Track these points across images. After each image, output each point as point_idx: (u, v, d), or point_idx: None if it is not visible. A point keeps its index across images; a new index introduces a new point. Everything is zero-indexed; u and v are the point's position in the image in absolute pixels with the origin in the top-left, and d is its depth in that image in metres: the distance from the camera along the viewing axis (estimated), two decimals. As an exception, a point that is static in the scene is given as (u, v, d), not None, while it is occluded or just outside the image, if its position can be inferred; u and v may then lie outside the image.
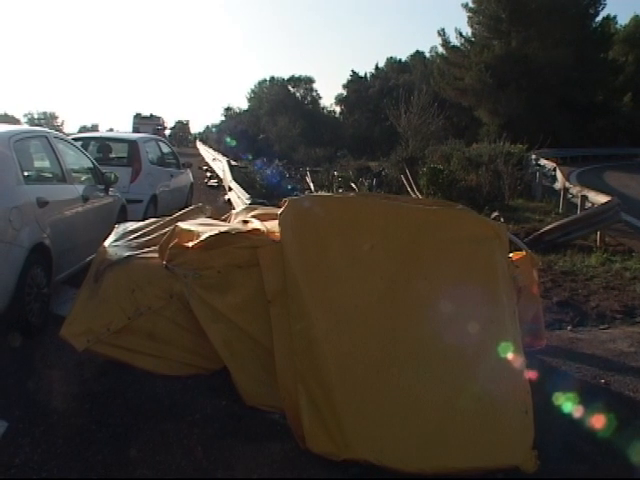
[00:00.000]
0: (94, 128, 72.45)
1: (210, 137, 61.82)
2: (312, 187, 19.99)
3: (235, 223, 5.39)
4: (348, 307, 4.02)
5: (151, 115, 56.24)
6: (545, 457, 3.84)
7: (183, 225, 5.02)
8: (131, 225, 6.17)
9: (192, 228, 4.89)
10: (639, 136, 48.12)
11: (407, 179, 17.55)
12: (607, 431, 4.45)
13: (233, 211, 6.41)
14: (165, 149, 13.75)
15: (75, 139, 11.35)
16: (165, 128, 60.44)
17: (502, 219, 12.33)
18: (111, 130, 54.01)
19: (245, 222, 5.22)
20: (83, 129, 73.72)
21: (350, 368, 3.89)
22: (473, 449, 3.76)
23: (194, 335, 4.72)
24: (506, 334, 4.04)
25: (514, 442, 3.80)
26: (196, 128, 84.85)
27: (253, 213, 5.69)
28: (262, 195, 15.48)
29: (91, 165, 8.54)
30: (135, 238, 5.64)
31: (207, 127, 77.74)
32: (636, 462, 4.07)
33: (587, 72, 43.17)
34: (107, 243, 5.47)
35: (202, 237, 4.59)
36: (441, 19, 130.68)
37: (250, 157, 36.10)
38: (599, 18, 48.24)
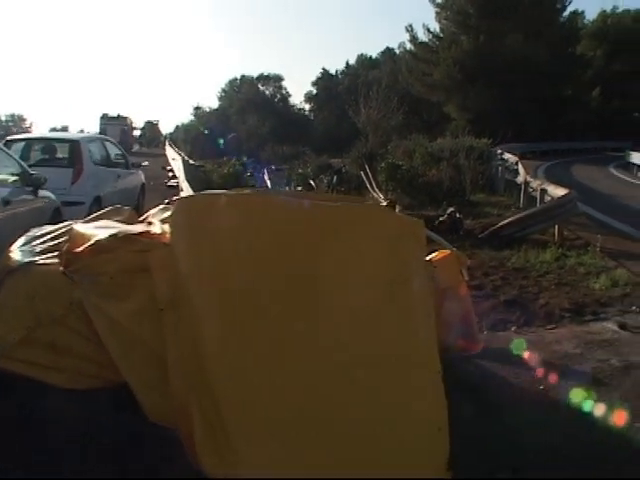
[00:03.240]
0: (64, 129, 71.39)
1: (179, 137, 61.08)
2: (269, 185, 19.64)
3: (132, 226, 4.98)
4: (244, 315, 3.61)
5: (118, 116, 55.36)
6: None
7: (79, 228, 4.62)
8: (45, 228, 5.77)
9: (87, 231, 4.49)
10: (608, 130, 48.41)
11: (366, 175, 17.24)
12: (536, 445, 4.11)
13: (150, 211, 6.02)
14: (112, 149, 13.33)
15: (11, 140, 11.01)
16: (134, 129, 59.57)
17: (458, 214, 12.07)
18: (82, 131, 53.41)
19: (149, 223, 4.83)
20: (53, 131, 72.72)
21: (244, 382, 3.50)
22: (379, 468, 3.38)
23: (98, 345, 4.31)
24: (418, 342, 3.66)
25: (424, 461, 3.43)
26: (167, 128, 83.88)
27: (168, 213, 5.28)
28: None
29: (17, 166, 8.09)
30: (42, 242, 5.23)
31: (177, 127, 76.90)
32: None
33: (556, 67, 43.27)
34: (13, 247, 5.06)
35: (91, 241, 4.19)
36: (414, 15, 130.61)
37: (244, 158, 35.40)
38: (567, 13, 48.47)
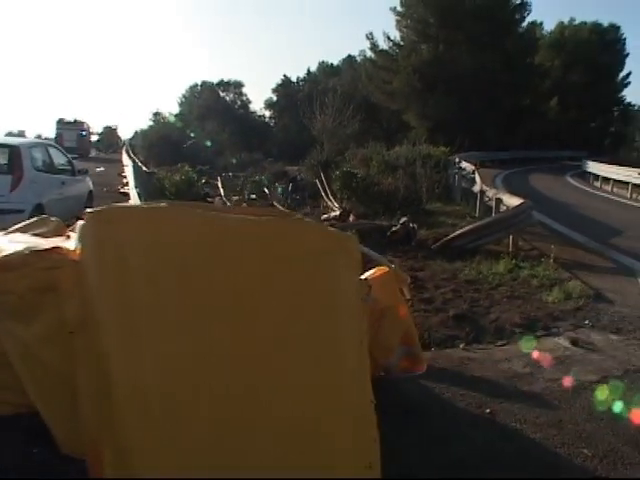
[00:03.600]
0: (21, 134, 69.84)
1: (138, 143, 60.08)
2: (222, 193, 19.22)
3: (46, 240, 4.60)
4: (154, 341, 3.26)
5: (75, 120, 54.18)
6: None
7: (-11, 242, 4.23)
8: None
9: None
10: (566, 139, 49.03)
11: (322, 183, 16.95)
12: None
13: (78, 223, 5.63)
14: (56, 154, 12.81)
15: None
16: (91, 134, 58.41)
17: (412, 224, 11.81)
18: (39, 136, 52.31)
19: (67, 237, 4.47)
20: (9, 135, 70.88)
21: (152, 406, 3.16)
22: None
23: (9, 369, 3.93)
24: (348, 369, 3.34)
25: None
26: (126, 133, 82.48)
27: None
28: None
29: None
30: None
31: (136, 132, 75.73)
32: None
33: (514, 76, 43.62)
34: None
35: (-5, 257, 3.80)
36: (380, 22, 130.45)
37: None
38: (525, 23, 48.86)
